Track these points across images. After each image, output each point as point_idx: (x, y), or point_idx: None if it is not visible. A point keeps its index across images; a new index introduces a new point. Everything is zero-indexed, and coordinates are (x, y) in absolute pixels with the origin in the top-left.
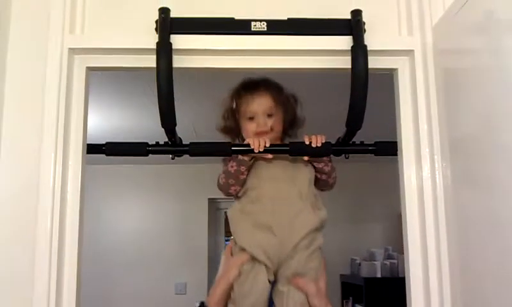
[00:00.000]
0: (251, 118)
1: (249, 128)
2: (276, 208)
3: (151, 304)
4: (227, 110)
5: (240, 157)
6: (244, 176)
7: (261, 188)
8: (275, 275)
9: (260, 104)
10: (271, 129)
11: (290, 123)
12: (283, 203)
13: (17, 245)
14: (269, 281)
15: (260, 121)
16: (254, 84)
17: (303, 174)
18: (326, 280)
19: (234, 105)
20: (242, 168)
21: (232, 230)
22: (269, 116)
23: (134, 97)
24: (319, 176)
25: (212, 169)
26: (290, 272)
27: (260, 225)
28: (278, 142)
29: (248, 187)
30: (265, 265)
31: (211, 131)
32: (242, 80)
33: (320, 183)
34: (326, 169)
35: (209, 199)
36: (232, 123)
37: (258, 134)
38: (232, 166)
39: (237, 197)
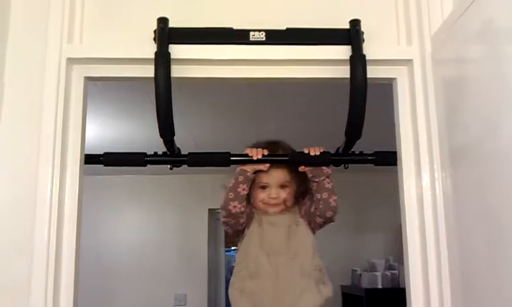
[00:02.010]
0: (264, 187)
1: (260, 197)
2: (276, 289)
3: None
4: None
5: (240, 167)
6: (245, 192)
7: (260, 263)
8: None
9: (276, 175)
10: (284, 201)
11: (301, 194)
12: (284, 283)
13: (14, 256)
14: None
15: (272, 193)
16: (272, 149)
17: (305, 243)
18: None
19: (249, 174)
20: (240, 178)
21: None
22: (282, 187)
23: (133, 107)
24: (319, 196)
25: (212, 179)
26: None
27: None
28: (287, 213)
29: (247, 256)
30: None
31: (211, 141)
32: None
33: (320, 207)
34: (327, 185)
35: (209, 209)
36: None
37: (270, 205)
38: (230, 182)
39: (234, 274)
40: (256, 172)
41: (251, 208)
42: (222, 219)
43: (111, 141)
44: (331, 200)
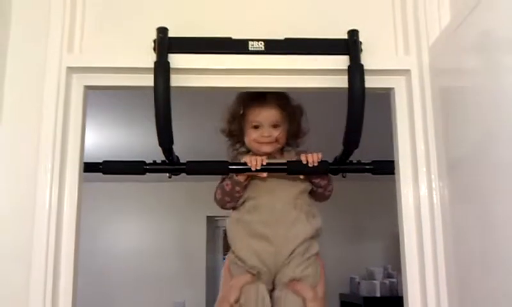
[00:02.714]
0: (256, 127)
1: (253, 135)
2: (271, 218)
3: None
4: (233, 115)
5: (235, 177)
6: (240, 195)
7: (257, 199)
8: (273, 283)
9: (267, 115)
10: (276, 140)
11: (294, 134)
12: (278, 213)
13: (13, 263)
14: (268, 291)
15: (264, 132)
16: (263, 92)
17: (297, 184)
18: (324, 286)
19: (241, 111)
20: (237, 188)
21: (229, 239)
22: (275, 126)
23: (133, 115)
24: (315, 189)
25: (210, 186)
26: (286, 278)
27: (256, 234)
28: (279, 153)
29: (244, 198)
30: (263, 274)
31: (210, 148)
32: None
33: (317, 195)
34: (322, 183)
35: (208, 216)
36: (236, 127)
37: (261, 143)
38: (227, 185)
39: (234, 208)
40: (248, 111)
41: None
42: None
43: (109, 148)
44: (326, 192)
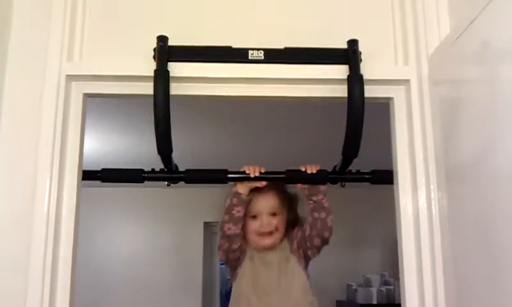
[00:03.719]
0: (255, 217)
1: (252, 226)
2: None
3: None
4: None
5: (234, 188)
6: (240, 214)
7: (251, 303)
8: None
9: (265, 203)
10: (276, 229)
11: (292, 222)
12: None
13: (11, 268)
14: None
15: (263, 221)
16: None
17: (298, 282)
18: None
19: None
20: (235, 201)
21: None
22: (273, 215)
23: (132, 122)
24: (317, 215)
25: (208, 193)
26: None
27: None
28: (278, 250)
29: (240, 293)
30: None
31: (208, 154)
32: None
33: (318, 226)
34: (325, 204)
35: (205, 223)
36: None
37: (262, 235)
38: (226, 202)
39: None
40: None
41: (243, 243)
42: (218, 243)
43: (107, 154)
44: (328, 220)
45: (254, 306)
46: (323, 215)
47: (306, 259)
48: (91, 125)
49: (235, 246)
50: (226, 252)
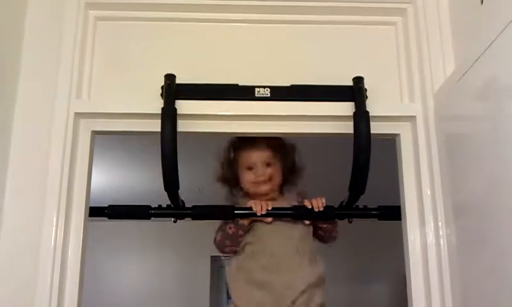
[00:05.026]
0: (250, 168)
1: (247, 177)
2: (271, 264)
3: None
4: (225, 160)
5: (240, 221)
6: (242, 238)
7: (257, 244)
8: None
9: (258, 154)
10: (270, 178)
11: (290, 171)
12: (279, 259)
13: (17, 304)
14: None
15: (258, 171)
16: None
17: (300, 226)
18: None
19: (232, 155)
20: (240, 232)
21: (229, 289)
22: (268, 165)
23: (139, 156)
24: (322, 233)
25: (214, 226)
26: None
27: (255, 282)
28: (277, 192)
29: (244, 242)
30: None
31: (215, 190)
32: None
33: (324, 238)
34: (329, 227)
35: (212, 256)
36: (230, 172)
37: (257, 184)
38: (230, 228)
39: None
40: (240, 154)
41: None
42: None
43: (114, 189)
44: (333, 233)
45: (259, 245)
46: (327, 234)
47: None
48: (97, 159)
49: (238, 249)
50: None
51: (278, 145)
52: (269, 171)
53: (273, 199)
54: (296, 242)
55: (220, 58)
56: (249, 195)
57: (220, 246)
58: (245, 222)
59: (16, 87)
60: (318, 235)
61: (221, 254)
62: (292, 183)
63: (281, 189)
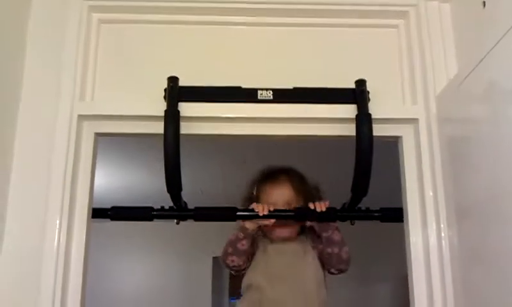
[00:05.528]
0: None
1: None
2: None
3: None
4: (247, 198)
5: (242, 223)
6: (244, 248)
7: (264, 291)
8: None
9: (280, 194)
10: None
11: None
12: None
13: (20, 302)
14: None
15: None
16: (275, 172)
17: (310, 273)
18: None
19: (255, 193)
20: (241, 235)
21: None
22: (288, 205)
23: (142, 158)
24: (330, 250)
25: (216, 227)
26: None
27: None
28: (295, 234)
29: (251, 283)
30: None
31: (217, 191)
32: (263, 168)
33: (333, 261)
34: (336, 238)
35: (214, 257)
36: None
37: (278, 226)
38: (233, 234)
39: (238, 295)
40: (261, 192)
41: (254, 239)
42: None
43: (117, 190)
44: (343, 253)
45: (267, 294)
46: (336, 250)
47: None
48: (100, 160)
49: (243, 267)
50: (237, 271)
51: (301, 186)
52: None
53: (290, 240)
54: (305, 291)
55: (223, 61)
56: (267, 237)
57: (223, 255)
58: (247, 225)
59: (19, 90)
60: (325, 259)
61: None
62: (312, 239)
63: (298, 230)
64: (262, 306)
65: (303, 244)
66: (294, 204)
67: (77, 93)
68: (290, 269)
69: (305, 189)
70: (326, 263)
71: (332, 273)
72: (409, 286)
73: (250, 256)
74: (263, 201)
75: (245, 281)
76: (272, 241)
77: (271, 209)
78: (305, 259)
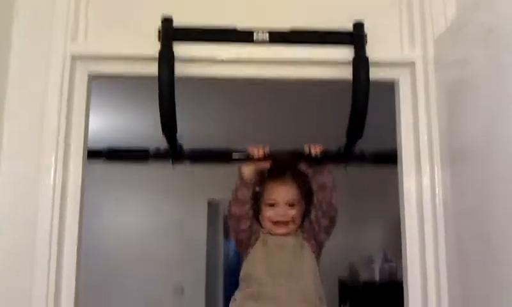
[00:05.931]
0: (272, 205)
1: (268, 214)
2: None
3: (149, 303)
4: (253, 196)
5: (239, 170)
6: (244, 197)
7: (262, 285)
8: None
9: (283, 192)
10: (292, 220)
11: (307, 213)
12: (284, 306)
13: (17, 245)
14: None
15: (280, 210)
16: (280, 170)
17: (309, 269)
18: None
19: (257, 189)
20: (238, 181)
21: None
22: (291, 205)
23: (136, 98)
24: (321, 196)
25: (211, 170)
26: None
27: None
28: (292, 236)
29: (250, 274)
30: None
31: (213, 135)
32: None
33: (324, 208)
34: (329, 183)
35: (208, 200)
36: (254, 206)
37: (277, 223)
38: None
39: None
40: (265, 188)
41: (257, 225)
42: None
43: (112, 132)
44: (332, 200)
45: (266, 285)
46: (327, 195)
47: (318, 247)
48: (96, 103)
49: (243, 227)
50: (236, 231)
51: (305, 186)
52: (291, 212)
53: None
54: (303, 286)
55: (219, 1)
56: (269, 233)
57: (229, 204)
58: (243, 170)
59: (11, 29)
60: (317, 208)
61: (217, 197)
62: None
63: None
64: (260, 300)
65: (298, 237)
66: (297, 205)
67: (70, 32)
68: (289, 265)
69: (309, 190)
70: (317, 213)
71: (324, 228)
72: (402, 228)
73: (251, 216)
74: (265, 196)
75: (245, 270)
76: (271, 235)
77: (266, 150)
78: (302, 253)
